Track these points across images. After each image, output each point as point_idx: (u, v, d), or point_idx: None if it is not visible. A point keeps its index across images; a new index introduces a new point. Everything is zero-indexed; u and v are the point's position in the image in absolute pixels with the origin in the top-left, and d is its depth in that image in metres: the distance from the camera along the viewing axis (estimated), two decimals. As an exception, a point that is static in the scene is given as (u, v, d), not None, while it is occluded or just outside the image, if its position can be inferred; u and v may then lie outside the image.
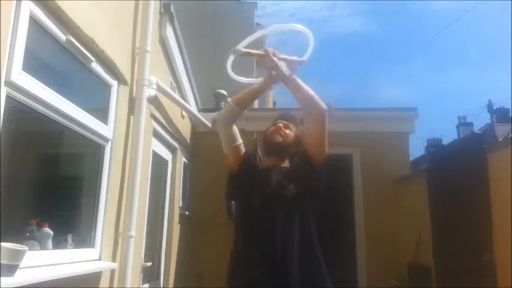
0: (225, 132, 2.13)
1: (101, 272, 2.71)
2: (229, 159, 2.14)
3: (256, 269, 1.90)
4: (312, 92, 2.02)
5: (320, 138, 2.01)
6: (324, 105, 2.02)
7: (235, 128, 2.14)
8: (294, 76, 2.05)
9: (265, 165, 2.16)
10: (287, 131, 2.13)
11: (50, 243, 2.24)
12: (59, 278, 2.03)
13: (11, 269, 1.70)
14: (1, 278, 1.64)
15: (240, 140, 2.14)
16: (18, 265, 1.74)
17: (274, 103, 12.62)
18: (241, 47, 2.12)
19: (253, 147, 4.33)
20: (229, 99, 2.21)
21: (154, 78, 3.44)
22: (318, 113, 2.01)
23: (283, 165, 2.14)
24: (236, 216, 2.20)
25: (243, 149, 2.15)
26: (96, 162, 2.79)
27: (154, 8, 3.42)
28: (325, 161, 2.03)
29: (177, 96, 4.36)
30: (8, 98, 1.83)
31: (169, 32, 4.02)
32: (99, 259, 2.71)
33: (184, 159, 5.27)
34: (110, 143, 2.86)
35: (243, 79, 2.17)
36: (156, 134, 4.04)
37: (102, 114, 2.79)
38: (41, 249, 2.16)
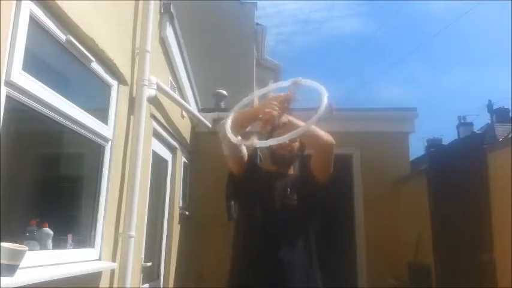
0: (229, 143, 1.94)
1: (101, 272, 2.71)
2: (232, 167, 2.09)
3: (254, 275, 1.92)
4: (315, 132, 1.87)
5: (326, 163, 1.98)
6: (330, 138, 1.91)
7: None
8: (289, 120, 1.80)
9: (270, 170, 2.15)
10: (292, 142, 2.09)
11: (50, 243, 2.24)
12: (59, 278, 2.03)
13: (11, 269, 1.70)
14: (1, 278, 1.64)
15: (244, 151, 2.06)
16: (18, 265, 1.74)
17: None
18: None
19: (254, 149, 4.32)
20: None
21: (154, 78, 3.44)
22: (327, 148, 1.94)
23: (289, 171, 2.15)
24: (238, 218, 2.20)
25: (246, 157, 2.08)
26: (96, 162, 2.79)
27: (154, 8, 3.42)
28: (330, 180, 2.00)
29: (177, 96, 4.36)
30: (8, 98, 1.83)
31: (169, 32, 4.02)
32: (99, 259, 2.71)
33: (184, 159, 5.27)
34: (110, 143, 2.86)
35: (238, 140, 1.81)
36: (156, 134, 4.04)
37: (102, 114, 2.79)
38: (41, 249, 2.16)
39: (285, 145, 2.07)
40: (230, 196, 2.30)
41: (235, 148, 2.00)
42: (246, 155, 2.08)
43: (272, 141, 1.63)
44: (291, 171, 2.18)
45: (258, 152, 4.02)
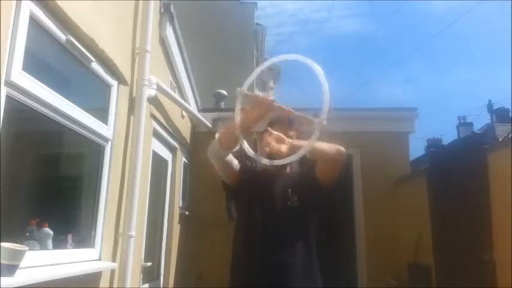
0: (219, 163, 1.98)
1: (101, 272, 2.71)
2: (225, 179, 2.06)
3: (255, 276, 1.92)
4: (328, 147, 1.87)
5: (334, 172, 1.97)
6: (339, 150, 1.90)
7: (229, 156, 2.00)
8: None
9: (266, 170, 2.10)
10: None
11: (50, 243, 2.24)
12: (59, 278, 2.03)
13: (11, 269, 1.70)
14: (1, 278, 1.64)
15: (235, 163, 2.02)
16: (18, 265, 1.74)
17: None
18: (247, 84, 1.87)
19: (252, 148, 4.32)
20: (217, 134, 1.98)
21: (154, 78, 3.44)
22: (337, 161, 1.93)
23: (286, 170, 2.13)
24: (237, 219, 2.18)
25: (237, 168, 2.03)
26: (96, 162, 2.79)
27: (154, 8, 3.42)
28: (335, 183, 1.99)
29: (177, 96, 4.36)
30: (8, 98, 1.83)
31: (169, 32, 4.02)
32: (99, 259, 2.71)
33: (184, 159, 5.27)
34: (110, 143, 2.86)
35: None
36: (156, 134, 4.04)
37: (102, 114, 2.79)
38: (41, 249, 2.16)
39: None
40: (230, 196, 2.29)
41: (226, 167, 1.99)
42: (238, 165, 2.04)
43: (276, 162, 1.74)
44: (288, 169, 2.14)
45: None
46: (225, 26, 9.92)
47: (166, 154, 4.61)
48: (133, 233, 3.00)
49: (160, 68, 3.97)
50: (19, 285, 1.72)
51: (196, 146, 5.69)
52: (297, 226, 1.98)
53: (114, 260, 2.90)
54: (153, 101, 3.59)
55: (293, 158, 1.76)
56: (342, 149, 1.92)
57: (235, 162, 2.03)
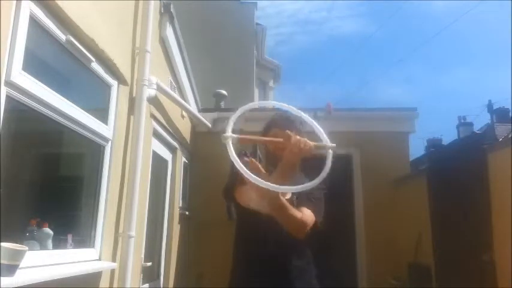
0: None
1: (101, 272, 2.71)
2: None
3: (254, 278, 1.92)
4: (292, 216, 1.80)
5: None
6: (306, 226, 1.83)
7: None
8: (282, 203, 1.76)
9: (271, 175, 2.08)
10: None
11: (50, 243, 2.24)
12: (59, 278, 2.03)
13: (11, 269, 1.70)
14: (1, 278, 1.64)
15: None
16: (18, 265, 1.74)
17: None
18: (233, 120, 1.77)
19: (253, 147, 4.32)
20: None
21: (154, 78, 3.44)
22: (300, 234, 1.85)
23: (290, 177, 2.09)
24: (238, 223, 2.17)
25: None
26: (96, 162, 2.79)
27: (154, 8, 3.42)
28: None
29: (177, 96, 4.36)
30: (8, 98, 1.83)
31: (169, 32, 4.03)
32: (99, 259, 2.71)
33: (184, 159, 5.27)
34: (110, 143, 2.86)
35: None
36: (156, 134, 4.04)
37: (102, 114, 2.79)
38: (41, 249, 2.16)
39: (282, 146, 2.02)
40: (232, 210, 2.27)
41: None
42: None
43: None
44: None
45: (258, 152, 4.01)
46: (225, 26, 9.91)
47: (166, 154, 4.61)
48: (133, 233, 3.00)
49: (160, 68, 3.98)
50: (19, 285, 1.72)
51: (196, 146, 5.70)
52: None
53: (114, 260, 2.90)
54: (153, 101, 3.59)
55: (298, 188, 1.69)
56: (306, 225, 1.83)
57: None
